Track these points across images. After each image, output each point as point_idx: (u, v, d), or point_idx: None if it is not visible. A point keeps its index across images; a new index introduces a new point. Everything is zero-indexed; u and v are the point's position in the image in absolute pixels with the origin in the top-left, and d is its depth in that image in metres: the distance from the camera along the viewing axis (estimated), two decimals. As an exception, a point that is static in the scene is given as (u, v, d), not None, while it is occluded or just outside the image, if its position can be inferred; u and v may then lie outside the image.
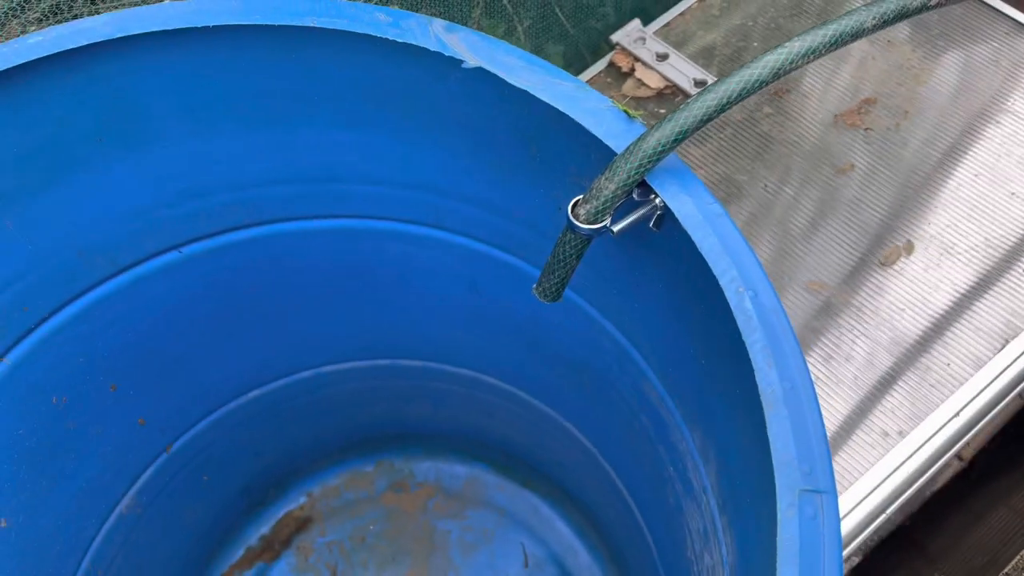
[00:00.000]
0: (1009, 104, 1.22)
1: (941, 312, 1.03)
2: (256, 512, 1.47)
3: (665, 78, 1.31)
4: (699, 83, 1.30)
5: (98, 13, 1.14)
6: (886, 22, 0.61)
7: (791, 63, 0.58)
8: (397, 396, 1.38)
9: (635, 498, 1.15)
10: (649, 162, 0.57)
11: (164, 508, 1.24)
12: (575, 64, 1.65)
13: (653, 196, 0.59)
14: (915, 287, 1.06)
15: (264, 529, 1.49)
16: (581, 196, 0.61)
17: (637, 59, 1.34)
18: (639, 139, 0.58)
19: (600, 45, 1.67)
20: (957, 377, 0.97)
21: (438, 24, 0.67)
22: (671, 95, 1.31)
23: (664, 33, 1.39)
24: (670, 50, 1.34)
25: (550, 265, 0.65)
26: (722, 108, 0.58)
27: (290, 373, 1.24)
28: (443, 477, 1.52)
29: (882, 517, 0.91)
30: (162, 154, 0.82)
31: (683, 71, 1.32)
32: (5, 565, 0.98)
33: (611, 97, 1.33)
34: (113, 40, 0.66)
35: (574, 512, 1.46)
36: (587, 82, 1.40)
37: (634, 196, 0.60)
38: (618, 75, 1.36)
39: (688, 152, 1.24)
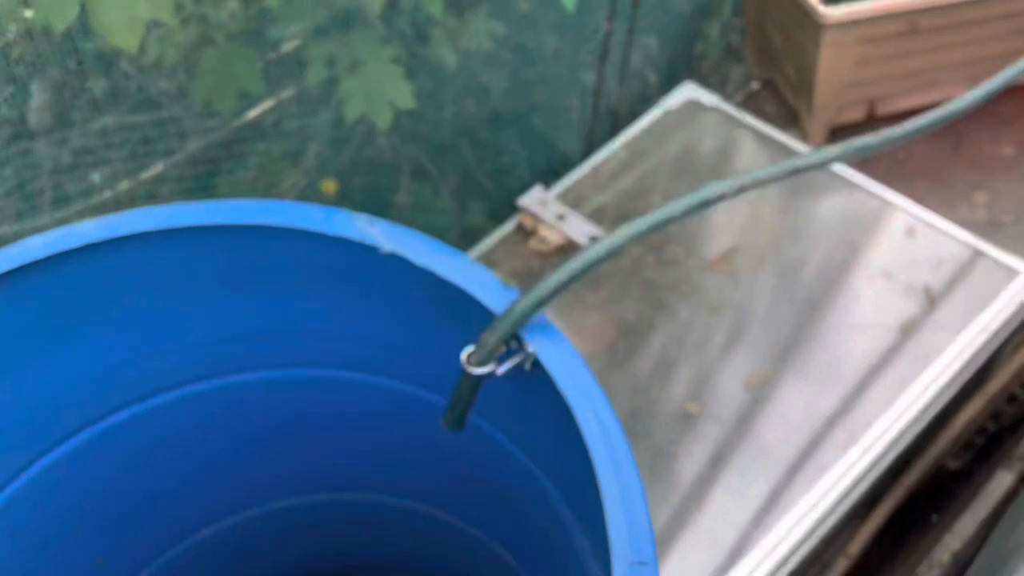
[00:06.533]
0: (847, 251, 1.48)
1: (797, 425, 1.23)
2: (202, 657, 1.53)
3: (565, 235, 1.54)
4: (593, 238, 1.54)
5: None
6: (691, 210, 0.83)
7: (621, 245, 0.79)
8: (340, 530, 1.48)
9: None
10: (520, 320, 0.77)
11: (117, 652, 1.31)
12: (497, 215, 1.88)
13: (526, 345, 0.78)
14: (776, 405, 1.26)
15: (209, 674, 1.53)
16: (472, 347, 0.79)
17: (540, 220, 1.57)
18: (512, 304, 0.77)
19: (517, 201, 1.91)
20: (808, 479, 1.16)
21: (361, 218, 0.87)
22: (570, 250, 1.54)
23: (564, 196, 1.64)
24: (567, 211, 1.58)
25: (452, 401, 0.83)
26: (572, 279, 0.78)
27: (239, 511, 1.35)
28: (384, 610, 1.60)
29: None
30: (135, 324, 0.98)
31: (579, 229, 1.55)
32: None
33: (518, 254, 1.54)
34: (102, 242, 0.84)
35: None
36: (500, 240, 1.63)
37: (511, 346, 0.79)
38: (525, 234, 1.59)
39: (585, 297, 1.46)
